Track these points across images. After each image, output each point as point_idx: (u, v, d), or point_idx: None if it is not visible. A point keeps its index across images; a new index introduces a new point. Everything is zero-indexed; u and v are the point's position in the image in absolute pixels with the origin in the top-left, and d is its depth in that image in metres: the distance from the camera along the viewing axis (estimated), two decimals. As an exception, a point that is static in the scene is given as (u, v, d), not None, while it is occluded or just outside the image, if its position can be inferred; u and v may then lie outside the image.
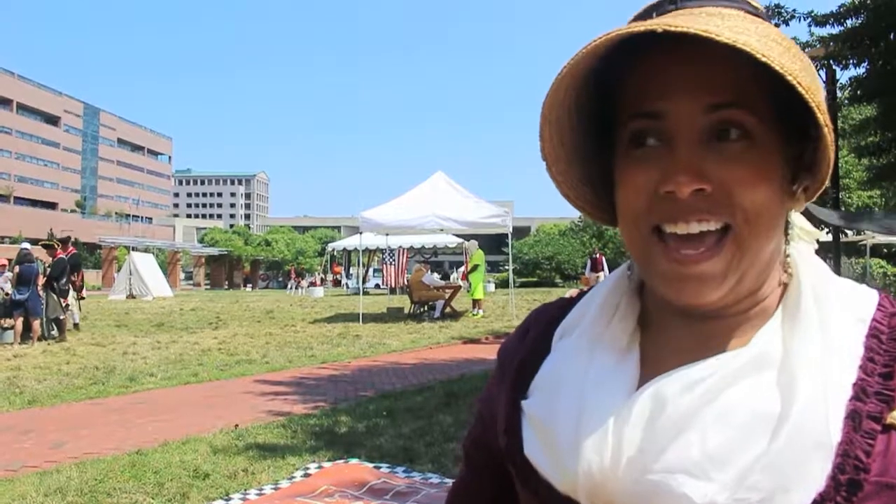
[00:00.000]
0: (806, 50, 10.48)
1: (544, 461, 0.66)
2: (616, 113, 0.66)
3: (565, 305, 0.80)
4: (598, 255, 22.91)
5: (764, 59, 0.54)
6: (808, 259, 0.68)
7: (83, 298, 16.88)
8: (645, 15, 0.64)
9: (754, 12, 0.63)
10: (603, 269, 21.26)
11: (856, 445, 0.56)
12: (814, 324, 0.61)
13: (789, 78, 0.55)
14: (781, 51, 0.57)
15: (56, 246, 14.17)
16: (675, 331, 0.68)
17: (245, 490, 4.29)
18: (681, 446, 0.57)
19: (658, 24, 0.56)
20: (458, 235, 23.86)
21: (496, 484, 0.81)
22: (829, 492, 0.55)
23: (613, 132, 0.67)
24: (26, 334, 12.54)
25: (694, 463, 0.56)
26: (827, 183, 0.66)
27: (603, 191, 0.72)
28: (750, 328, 0.65)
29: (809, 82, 0.56)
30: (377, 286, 35.78)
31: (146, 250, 38.89)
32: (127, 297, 29.65)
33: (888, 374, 0.59)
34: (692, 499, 0.56)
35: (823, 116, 0.57)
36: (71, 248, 15.21)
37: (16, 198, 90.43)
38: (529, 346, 0.78)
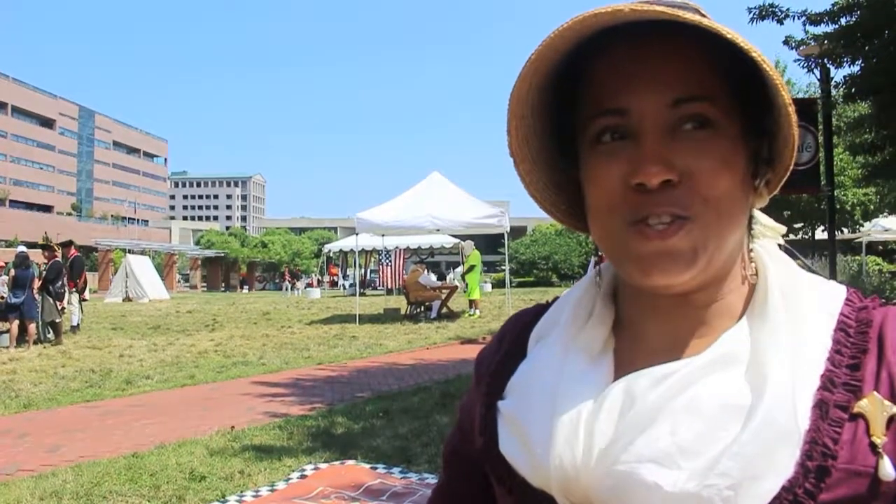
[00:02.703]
0: (800, 48, 10.49)
1: (519, 457, 0.67)
2: (579, 114, 0.67)
3: (539, 311, 0.81)
4: (600, 257, 22.91)
5: (730, 37, 0.56)
6: (773, 255, 0.70)
7: (85, 300, 16.85)
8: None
9: (701, 15, 0.64)
10: None
11: (823, 433, 0.57)
12: (781, 321, 0.62)
13: (754, 55, 0.57)
14: (732, 35, 0.58)
15: (55, 248, 14.14)
16: (648, 332, 0.69)
17: (241, 492, 4.28)
18: (651, 437, 0.58)
19: (627, 5, 0.57)
20: (454, 236, 23.86)
21: (476, 491, 0.82)
22: (798, 478, 0.56)
23: (577, 136, 0.68)
24: (22, 337, 12.51)
25: (664, 453, 0.57)
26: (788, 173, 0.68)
27: (571, 195, 0.74)
28: (719, 326, 0.66)
29: (769, 64, 0.58)
30: (373, 287, 35.78)
31: (142, 253, 38.92)
32: (123, 300, 29.63)
33: (855, 366, 0.60)
34: (662, 487, 0.56)
35: (785, 94, 0.59)
36: (73, 250, 15.20)
37: (11, 201, 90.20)
38: (505, 350, 0.80)
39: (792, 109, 0.60)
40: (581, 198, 0.69)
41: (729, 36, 0.56)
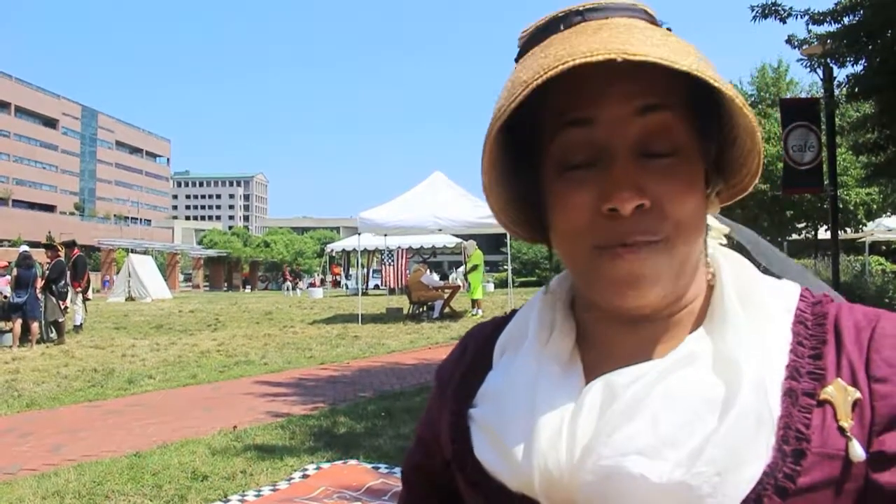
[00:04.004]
0: (803, 48, 10.47)
1: (497, 462, 0.66)
2: (542, 132, 0.66)
3: (499, 323, 0.81)
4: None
5: (717, 85, 0.57)
6: (728, 257, 0.72)
7: (89, 300, 16.89)
8: (551, 27, 0.65)
9: (651, 20, 0.65)
10: None
11: (795, 419, 0.60)
12: (742, 320, 0.64)
13: (728, 93, 0.58)
14: (697, 60, 0.59)
15: (58, 248, 14.17)
16: (612, 340, 0.70)
17: (243, 492, 4.28)
18: (632, 430, 0.59)
19: (614, 52, 0.56)
20: (456, 235, 23.86)
21: None
22: (777, 462, 0.58)
23: (538, 151, 0.68)
24: (25, 337, 12.54)
25: (647, 444, 0.58)
26: (754, 183, 0.69)
27: (528, 209, 0.74)
28: (682, 330, 0.68)
29: (733, 89, 0.59)
30: (377, 287, 35.79)
31: (145, 252, 38.92)
32: (126, 300, 29.68)
33: (817, 356, 0.63)
34: (649, 478, 0.57)
35: (751, 117, 0.60)
36: (76, 250, 15.24)
37: (14, 201, 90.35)
38: (469, 361, 0.80)
39: (758, 130, 0.62)
40: (540, 215, 0.70)
41: (715, 84, 0.57)
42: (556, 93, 0.63)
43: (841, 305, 0.67)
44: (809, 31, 10.10)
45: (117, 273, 36.01)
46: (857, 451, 0.58)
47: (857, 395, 0.60)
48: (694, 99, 0.64)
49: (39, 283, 13.01)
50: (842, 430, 0.59)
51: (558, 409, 0.64)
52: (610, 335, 0.70)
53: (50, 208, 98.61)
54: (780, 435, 0.59)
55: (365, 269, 34.13)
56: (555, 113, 0.65)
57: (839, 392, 0.61)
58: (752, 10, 9.43)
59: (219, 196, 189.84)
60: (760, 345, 0.62)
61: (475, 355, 0.80)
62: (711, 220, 0.75)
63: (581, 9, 0.64)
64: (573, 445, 0.61)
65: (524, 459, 0.63)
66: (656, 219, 0.62)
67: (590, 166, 0.63)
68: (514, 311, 0.81)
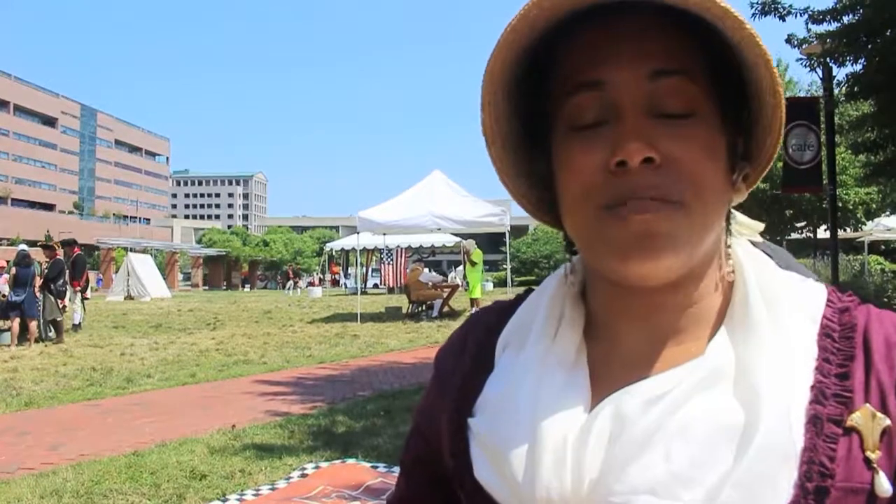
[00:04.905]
0: (803, 47, 10.47)
1: (498, 486, 0.62)
2: (552, 97, 0.64)
3: (503, 311, 0.76)
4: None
5: (721, 6, 0.53)
6: (750, 253, 0.67)
7: (87, 299, 16.87)
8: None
9: None
10: None
11: (819, 451, 0.55)
12: (767, 330, 0.60)
13: (747, 28, 0.54)
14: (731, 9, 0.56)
15: (55, 247, 14.15)
16: (622, 338, 0.65)
17: (242, 491, 4.27)
18: (644, 465, 0.55)
19: None
20: (455, 234, 23.85)
21: (436, 500, 0.77)
22: (798, 500, 0.54)
23: (550, 122, 0.64)
24: (23, 336, 12.52)
25: (659, 482, 0.54)
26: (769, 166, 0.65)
27: (540, 191, 0.70)
28: (697, 330, 0.63)
29: (756, 35, 0.55)
30: (376, 286, 35.79)
31: (144, 251, 38.87)
32: (125, 299, 29.64)
33: (844, 375, 0.58)
34: None
35: (774, 74, 0.57)
36: (76, 249, 15.23)
37: (13, 199, 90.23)
38: (470, 357, 0.75)
39: (781, 90, 0.58)
40: (550, 193, 0.66)
41: (717, 7, 0.54)
42: (566, 58, 0.62)
43: (870, 313, 0.63)
44: (809, 31, 10.11)
45: (116, 272, 35.96)
46: (885, 486, 0.54)
47: (887, 422, 0.56)
48: (714, 67, 0.61)
49: (38, 282, 12.99)
50: (868, 461, 0.55)
51: (562, 430, 0.59)
52: (619, 330, 0.65)
53: (49, 207, 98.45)
54: (803, 471, 0.54)
55: (364, 268, 34.12)
56: (563, 81, 0.62)
57: (867, 419, 0.56)
58: (752, 7, 9.44)
59: (218, 195, 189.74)
60: (784, 360, 0.58)
61: (476, 350, 0.75)
62: (744, 217, 0.71)
63: None
64: (580, 477, 0.57)
65: (526, 487, 0.59)
66: (669, 177, 0.57)
67: (599, 125, 0.59)
68: (518, 298, 0.77)
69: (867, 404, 0.57)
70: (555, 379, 0.63)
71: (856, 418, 0.56)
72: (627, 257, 0.58)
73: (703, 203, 0.58)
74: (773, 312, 0.61)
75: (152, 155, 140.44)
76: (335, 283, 45.61)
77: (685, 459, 0.54)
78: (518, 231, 47.69)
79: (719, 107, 0.61)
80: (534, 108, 0.66)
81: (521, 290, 0.82)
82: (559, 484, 0.58)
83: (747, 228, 0.71)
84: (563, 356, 0.65)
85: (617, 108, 0.59)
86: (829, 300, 0.64)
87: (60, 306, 13.35)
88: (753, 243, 0.70)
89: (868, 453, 0.55)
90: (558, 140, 0.63)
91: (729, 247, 0.66)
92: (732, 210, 0.67)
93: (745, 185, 0.65)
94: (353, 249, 28.35)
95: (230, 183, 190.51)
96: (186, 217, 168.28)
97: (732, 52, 0.59)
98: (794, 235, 24.69)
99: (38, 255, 14.47)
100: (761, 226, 0.73)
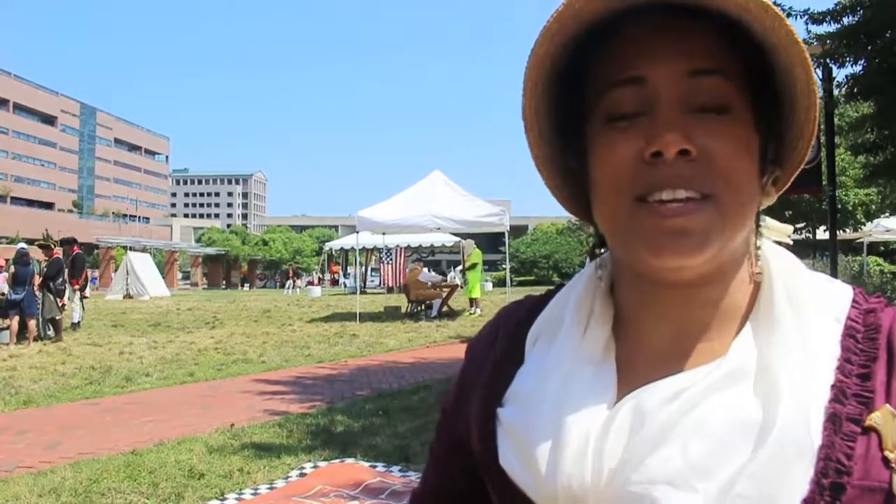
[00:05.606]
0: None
1: (522, 474, 0.64)
2: (591, 91, 0.65)
3: (534, 306, 0.78)
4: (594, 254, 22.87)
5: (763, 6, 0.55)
6: (779, 254, 0.68)
7: (86, 297, 16.85)
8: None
9: None
10: None
11: (837, 449, 0.56)
12: (791, 328, 0.61)
13: (785, 27, 0.56)
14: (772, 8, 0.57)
15: (53, 246, 14.15)
16: (649, 333, 0.66)
17: (240, 490, 4.27)
18: (662, 457, 0.57)
19: None
20: (455, 234, 23.85)
21: (469, 487, 0.78)
22: (813, 496, 0.54)
23: (587, 117, 0.65)
24: (22, 334, 12.51)
25: (676, 473, 0.56)
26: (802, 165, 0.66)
27: (572, 187, 0.71)
28: (723, 328, 0.64)
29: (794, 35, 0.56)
30: (375, 285, 35.80)
31: (143, 250, 38.86)
32: (124, 297, 29.63)
33: (866, 375, 0.59)
34: None
35: (811, 75, 0.58)
36: (76, 247, 15.23)
37: (13, 198, 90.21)
38: (501, 349, 0.77)
39: (816, 92, 0.59)
40: (583, 190, 0.68)
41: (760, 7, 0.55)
42: (605, 60, 0.63)
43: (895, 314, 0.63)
44: (809, 32, 10.11)
45: (115, 271, 35.95)
46: None
47: None
48: (750, 70, 0.62)
49: (37, 280, 12.99)
50: (886, 461, 0.56)
51: (586, 424, 0.61)
52: (646, 324, 0.67)
53: (48, 206, 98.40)
54: (820, 467, 0.55)
55: (363, 268, 34.13)
56: (604, 76, 0.63)
57: (887, 419, 0.57)
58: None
59: (217, 194, 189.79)
60: (805, 361, 0.59)
61: (507, 343, 0.76)
62: (772, 221, 0.73)
63: None
64: (600, 467, 0.59)
65: (548, 476, 0.61)
66: (703, 170, 0.58)
67: (636, 116, 0.61)
68: (549, 292, 0.78)
69: (887, 405, 0.58)
70: (583, 374, 0.65)
71: (875, 418, 0.57)
72: (660, 251, 0.59)
73: (735, 198, 0.59)
74: (797, 312, 0.62)
75: (152, 154, 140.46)
76: (334, 282, 45.59)
77: (702, 453, 0.56)
78: (517, 231, 47.71)
79: (753, 107, 0.62)
80: (570, 104, 0.67)
81: (520, 290, 0.83)
82: (580, 474, 0.60)
83: (776, 231, 0.73)
84: (591, 352, 0.66)
85: (655, 102, 0.60)
86: (854, 301, 0.65)
87: (59, 305, 13.34)
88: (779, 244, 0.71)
89: (887, 453, 0.56)
90: (594, 132, 0.64)
91: (758, 248, 0.67)
92: (761, 213, 0.69)
93: (774, 189, 0.67)
94: (353, 249, 28.35)
95: (229, 182, 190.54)
96: (186, 216, 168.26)
97: (766, 55, 0.61)
98: (794, 236, 24.68)
99: (37, 253, 14.47)
100: (790, 228, 0.74)
